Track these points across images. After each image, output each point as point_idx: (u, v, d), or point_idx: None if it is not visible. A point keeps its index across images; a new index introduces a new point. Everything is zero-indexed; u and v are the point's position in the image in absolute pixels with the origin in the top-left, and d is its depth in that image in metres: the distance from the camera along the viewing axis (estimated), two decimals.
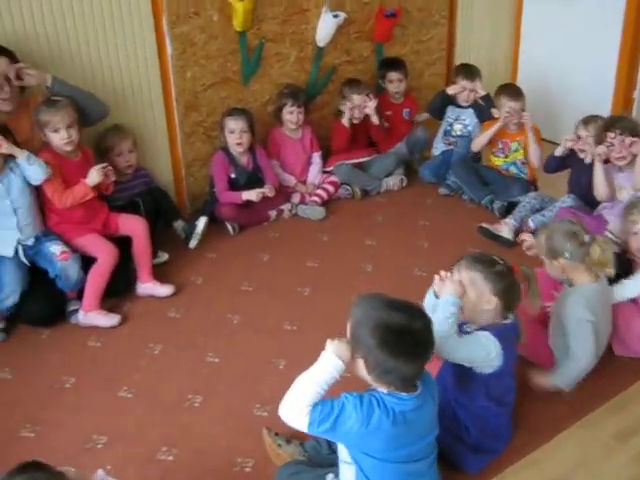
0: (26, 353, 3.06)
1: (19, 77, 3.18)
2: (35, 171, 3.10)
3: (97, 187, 3.35)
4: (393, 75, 4.60)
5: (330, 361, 1.93)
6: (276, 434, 2.40)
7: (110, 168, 3.39)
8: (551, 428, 2.55)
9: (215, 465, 2.44)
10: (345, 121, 4.41)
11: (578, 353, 2.60)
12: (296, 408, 1.91)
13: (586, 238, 2.61)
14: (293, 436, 2.38)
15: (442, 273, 2.36)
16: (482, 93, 4.39)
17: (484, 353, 2.25)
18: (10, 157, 3.07)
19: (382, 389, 1.94)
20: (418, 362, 1.92)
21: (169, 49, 3.79)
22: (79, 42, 3.50)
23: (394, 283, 3.43)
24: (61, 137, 3.19)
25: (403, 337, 1.87)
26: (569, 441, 2.51)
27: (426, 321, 1.94)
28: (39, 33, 3.36)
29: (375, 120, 4.48)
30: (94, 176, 3.29)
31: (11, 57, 3.18)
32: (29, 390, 2.83)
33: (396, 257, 3.74)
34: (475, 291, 2.29)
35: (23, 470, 1.64)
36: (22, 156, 3.06)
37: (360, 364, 1.93)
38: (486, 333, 2.28)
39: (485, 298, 2.29)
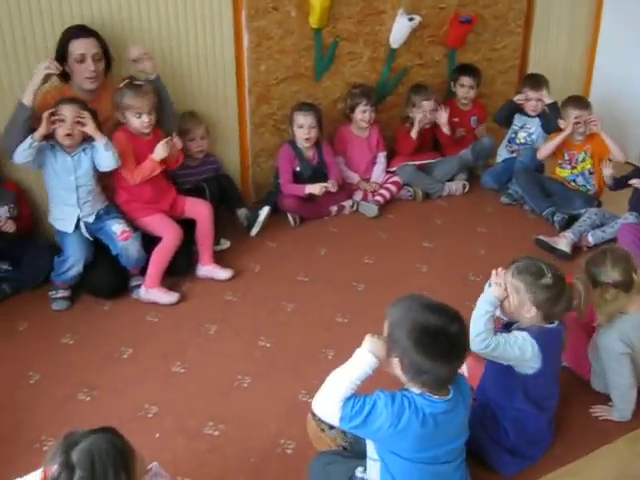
0: (88, 322, 3.21)
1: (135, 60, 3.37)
2: (108, 158, 3.21)
3: (166, 162, 3.45)
4: (465, 80, 4.60)
5: (364, 358, 1.97)
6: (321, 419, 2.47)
7: (176, 139, 3.47)
8: (593, 441, 2.55)
9: (258, 444, 2.52)
10: (413, 133, 4.42)
11: (621, 389, 2.59)
12: (329, 402, 1.95)
13: (605, 278, 2.54)
14: None
15: (499, 269, 2.38)
16: (549, 101, 4.37)
17: (519, 352, 2.27)
18: (88, 138, 3.20)
19: (415, 389, 1.98)
20: (453, 365, 1.95)
21: (245, 42, 3.88)
22: (160, 29, 3.63)
23: (447, 286, 3.46)
24: (142, 121, 3.32)
25: (439, 339, 1.90)
26: (610, 456, 2.50)
27: (462, 325, 1.96)
28: (124, 20, 3.51)
29: (446, 131, 4.52)
30: (160, 150, 3.38)
31: (98, 38, 3.31)
32: (89, 356, 2.97)
33: (452, 261, 3.76)
34: (517, 299, 2.32)
35: (104, 432, 1.70)
36: (102, 141, 3.18)
37: (395, 363, 1.97)
38: (524, 333, 2.30)
39: (525, 307, 2.32)
